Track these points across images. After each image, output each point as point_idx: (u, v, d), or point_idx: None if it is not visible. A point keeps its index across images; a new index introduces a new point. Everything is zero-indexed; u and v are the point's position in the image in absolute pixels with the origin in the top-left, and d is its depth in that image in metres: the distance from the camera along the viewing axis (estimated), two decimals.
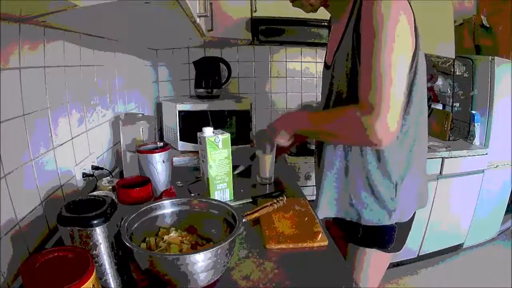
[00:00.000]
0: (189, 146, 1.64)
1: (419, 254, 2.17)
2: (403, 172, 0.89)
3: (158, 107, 1.98)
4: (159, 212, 0.79)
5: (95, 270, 0.52)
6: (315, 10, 0.98)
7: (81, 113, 1.05)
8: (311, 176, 1.75)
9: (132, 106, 1.56)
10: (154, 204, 0.78)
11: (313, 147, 1.20)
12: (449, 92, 2.28)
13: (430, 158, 1.88)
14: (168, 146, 1.08)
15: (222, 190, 1.07)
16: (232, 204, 0.83)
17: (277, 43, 1.98)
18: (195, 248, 0.73)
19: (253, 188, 1.22)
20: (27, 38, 0.75)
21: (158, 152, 1.03)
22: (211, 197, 1.04)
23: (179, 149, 1.65)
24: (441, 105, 2.34)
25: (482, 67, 2.13)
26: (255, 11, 1.73)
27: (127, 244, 0.61)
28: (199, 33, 1.29)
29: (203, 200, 0.82)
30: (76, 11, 0.60)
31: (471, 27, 2.42)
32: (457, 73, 2.22)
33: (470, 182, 2.10)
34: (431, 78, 2.32)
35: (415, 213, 0.98)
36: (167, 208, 0.80)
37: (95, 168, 1.10)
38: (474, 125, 2.15)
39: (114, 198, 0.73)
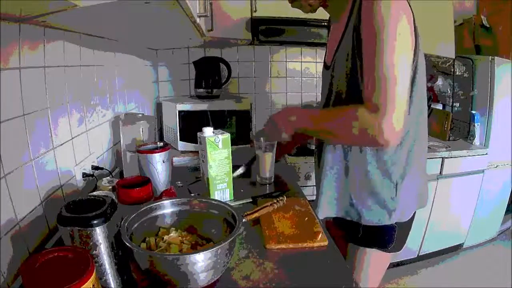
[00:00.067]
0: (189, 146, 1.64)
1: (419, 254, 2.17)
2: (403, 172, 0.89)
3: (158, 107, 1.98)
4: (159, 212, 0.79)
5: (95, 270, 0.52)
6: (314, 11, 0.98)
7: (81, 113, 1.05)
8: (311, 176, 1.75)
9: (132, 106, 1.56)
10: (154, 204, 0.78)
11: (313, 147, 1.20)
12: (449, 92, 2.28)
13: (430, 158, 1.88)
14: (168, 146, 1.08)
15: (222, 190, 1.07)
16: (232, 204, 0.83)
17: (277, 43, 1.98)
18: (195, 248, 0.73)
19: (253, 188, 1.22)
20: (27, 38, 0.75)
21: (158, 152, 1.03)
22: (211, 197, 1.04)
23: (179, 149, 1.65)
24: (441, 105, 2.34)
25: (482, 67, 2.13)
26: (255, 11, 1.73)
27: (127, 244, 0.61)
28: (199, 33, 1.29)
29: (203, 200, 0.82)
30: (76, 11, 0.60)
31: (471, 27, 2.42)
32: (457, 73, 2.22)
33: (470, 182, 2.10)
34: (431, 78, 2.32)
35: (415, 213, 0.98)
36: (167, 208, 0.80)
37: (95, 168, 1.10)
38: (474, 125, 2.15)
39: (114, 198, 0.73)
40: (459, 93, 2.26)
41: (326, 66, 1.02)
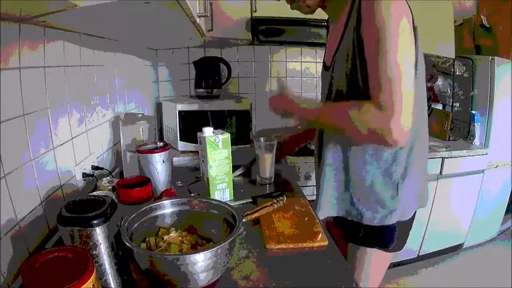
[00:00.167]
0: (189, 146, 1.64)
1: (419, 254, 2.17)
2: (404, 172, 0.89)
3: (158, 107, 1.98)
4: (159, 212, 0.79)
5: (95, 270, 0.52)
6: (312, 12, 0.98)
7: (81, 113, 1.05)
8: (311, 176, 1.75)
9: (132, 106, 1.56)
10: (154, 204, 0.78)
11: (313, 147, 1.20)
12: (449, 92, 2.28)
13: (430, 158, 1.87)
14: (168, 146, 1.08)
15: (222, 190, 1.07)
16: (232, 204, 0.83)
17: (277, 43, 1.98)
18: (195, 248, 0.73)
19: (253, 188, 1.22)
20: (27, 38, 0.75)
21: (158, 152, 1.03)
22: (211, 197, 1.04)
23: (179, 149, 1.65)
24: (441, 105, 2.34)
25: (482, 67, 2.13)
26: (255, 11, 1.73)
27: (127, 244, 0.61)
28: (199, 33, 1.29)
29: (203, 200, 0.82)
30: (76, 11, 0.60)
31: (471, 27, 2.42)
32: (457, 73, 2.22)
33: (470, 182, 2.10)
34: (431, 78, 2.32)
35: (415, 212, 0.98)
36: (167, 208, 0.80)
37: (95, 168, 1.10)
38: (474, 125, 2.15)
39: (114, 198, 0.73)
40: (459, 93, 2.26)
41: (325, 67, 1.02)
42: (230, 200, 1.08)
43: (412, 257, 2.16)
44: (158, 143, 1.09)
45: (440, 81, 2.29)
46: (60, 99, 0.92)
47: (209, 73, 1.89)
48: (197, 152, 1.17)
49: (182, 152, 1.64)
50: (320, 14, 1.01)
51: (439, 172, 1.97)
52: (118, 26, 0.99)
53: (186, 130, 1.63)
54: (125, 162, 1.21)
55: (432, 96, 2.34)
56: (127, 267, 0.67)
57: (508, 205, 2.37)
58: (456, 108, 2.26)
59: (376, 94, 0.76)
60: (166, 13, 0.84)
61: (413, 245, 2.11)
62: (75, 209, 0.62)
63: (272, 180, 1.26)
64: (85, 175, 1.03)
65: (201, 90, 1.87)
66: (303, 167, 1.75)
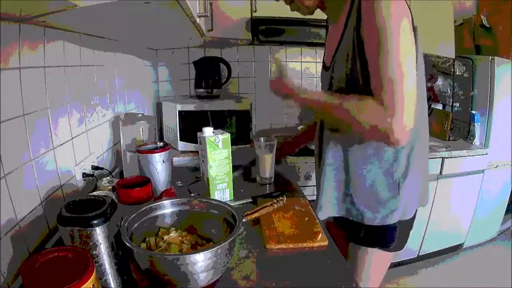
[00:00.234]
0: (189, 146, 1.64)
1: (419, 254, 2.17)
2: (405, 171, 0.89)
3: (158, 107, 1.98)
4: (159, 212, 0.79)
5: (95, 270, 0.52)
6: (311, 13, 0.98)
7: (81, 113, 1.05)
8: (311, 176, 1.75)
9: (132, 106, 1.56)
10: (154, 204, 0.78)
11: (313, 147, 1.20)
12: (449, 92, 2.28)
13: (430, 158, 1.86)
14: (168, 146, 1.08)
15: (222, 190, 1.07)
16: (232, 204, 0.83)
17: (277, 43, 1.98)
18: (195, 248, 0.73)
19: (253, 188, 1.22)
20: (27, 38, 0.75)
21: (158, 152, 1.03)
22: (211, 197, 1.04)
23: (179, 149, 1.65)
24: (441, 105, 2.34)
25: (482, 67, 2.12)
26: (255, 11, 1.73)
27: (127, 244, 0.61)
28: (199, 33, 1.29)
29: (203, 200, 0.82)
30: (76, 11, 0.60)
31: (471, 27, 2.42)
32: (457, 73, 2.21)
33: (470, 182, 2.10)
34: (431, 78, 2.32)
35: (416, 211, 0.98)
36: (167, 208, 0.80)
37: (95, 168, 1.10)
38: (474, 125, 2.15)
39: (114, 198, 0.73)
40: (459, 93, 2.26)
41: (325, 67, 1.02)
42: (230, 200, 1.08)
43: (412, 257, 2.16)
44: (158, 143, 1.09)
45: (440, 81, 2.29)
46: (60, 99, 0.92)
47: (209, 73, 1.89)
48: (197, 152, 1.17)
49: (182, 152, 1.64)
50: (320, 14, 1.01)
51: (439, 172, 1.97)
52: (118, 26, 0.99)
53: (186, 130, 1.63)
54: (125, 162, 1.21)
55: (432, 96, 2.34)
56: (127, 267, 0.67)
57: (508, 205, 2.37)
58: (456, 108, 2.26)
59: (378, 94, 0.76)
60: (166, 13, 0.84)
61: (413, 245, 2.11)
62: (75, 209, 0.62)
63: (272, 180, 1.26)
64: (85, 175, 1.03)
65: (201, 90, 1.88)
66: (303, 167, 1.75)
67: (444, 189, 2.00)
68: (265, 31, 1.79)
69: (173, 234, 0.76)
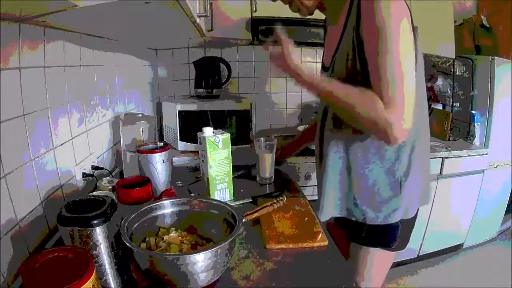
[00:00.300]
0: (189, 146, 1.64)
1: (419, 254, 2.17)
2: (406, 170, 0.89)
3: (158, 107, 1.98)
4: (159, 212, 0.79)
5: (95, 270, 0.52)
6: (311, 13, 0.98)
7: (81, 113, 1.05)
8: (311, 176, 1.75)
9: (132, 106, 1.56)
10: (154, 204, 0.78)
11: (313, 147, 1.20)
12: (449, 92, 2.28)
13: (430, 158, 1.87)
14: (168, 146, 1.08)
15: (222, 190, 1.07)
16: (232, 204, 0.83)
17: (277, 43, 1.98)
18: (195, 248, 0.73)
19: (253, 188, 1.22)
20: (27, 38, 0.75)
21: (158, 152, 1.03)
22: (211, 197, 1.04)
23: (179, 149, 1.65)
24: (441, 105, 2.34)
25: (482, 67, 2.12)
26: (255, 11, 1.73)
27: (127, 244, 0.61)
28: (199, 33, 1.29)
29: (203, 200, 0.82)
30: (76, 11, 0.60)
31: (471, 27, 2.42)
32: (457, 73, 2.21)
33: (470, 182, 2.10)
34: (431, 78, 2.32)
35: (417, 210, 0.98)
36: (167, 208, 0.80)
37: (95, 168, 1.10)
38: (474, 125, 2.15)
39: (114, 198, 0.73)
40: (459, 93, 2.26)
41: (324, 68, 1.02)
42: (230, 200, 1.08)
43: (412, 257, 2.16)
44: (158, 143, 1.09)
45: (440, 81, 2.29)
46: (60, 99, 0.92)
47: (209, 73, 1.89)
48: (197, 152, 1.17)
49: (182, 152, 1.64)
50: (320, 13, 1.01)
51: (439, 172, 1.97)
52: (118, 26, 0.99)
53: (186, 130, 1.63)
54: (125, 162, 1.21)
55: (432, 96, 2.34)
56: (127, 267, 0.67)
57: (508, 205, 2.37)
58: (456, 108, 2.26)
59: (378, 93, 0.76)
60: (166, 13, 0.84)
61: (413, 245, 2.10)
62: (75, 209, 0.62)
63: (272, 180, 1.26)
64: (85, 175, 1.03)
65: (201, 90, 1.87)
66: (303, 167, 1.75)
67: (444, 189, 2.00)
68: (265, 31, 1.79)
69: (173, 234, 0.76)
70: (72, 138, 0.99)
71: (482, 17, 2.34)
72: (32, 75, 0.79)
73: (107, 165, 1.26)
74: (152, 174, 1.02)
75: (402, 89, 0.74)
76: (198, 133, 1.05)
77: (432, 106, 2.29)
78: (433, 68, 2.32)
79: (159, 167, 1.03)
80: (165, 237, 0.74)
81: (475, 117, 2.14)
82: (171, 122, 1.69)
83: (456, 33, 2.13)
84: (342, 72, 0.88)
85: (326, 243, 0.82)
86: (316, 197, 1.08)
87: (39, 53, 0.82)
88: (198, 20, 1.08)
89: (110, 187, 0.98)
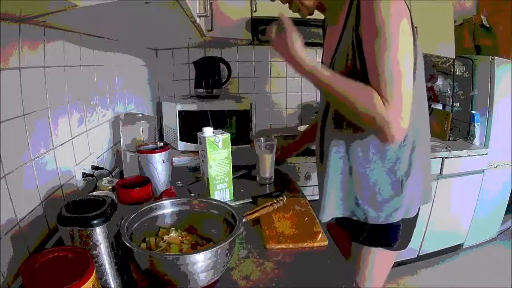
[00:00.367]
0: (189, 146, 1.64)
1: (419, 254, 2.17)
2: (407, 170, 0.90)
3: (158, 107, 1.98)
4: (159, 212, 0.79)
5: (95, 270, 0.52)
6: (311, 13, 0.98)
7: (81, 113, 1.05)
8: (311, 176, 1.75)
9: (132, 106, 1.56)
10: (154, 204, 0.78)
11: (313, 147, 1.20)
12: (449, 92, 2.28)
13: (431, 158, 1.88)
14: (168, 146, 1.08)
15: (222, 190, 1.07)
16: (232, 204, 0.83)
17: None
18: (195, 248, 0.73)
19: (253, 188, 1.22)
20: (27, 38, 0.75)
21: (158, 152, 1.03)
22: (211, 197, 1.04)
23: (179, 149, 1.65)
24: (441, 105, 2.34)
25: (482, 67, 2.12)
26: (255, 11, 1.73)
27: (127, 244, 0.61)
28: (199, 33, 1.29)
29: (203, 200, 0.82)
30: (76, 11, 0.60)
31: (471, 27, 2.42)
32: (457, 73, 2.21)
33: (470, 182, 2.10)
34: (431, 78, 2.32)
35: (419, 209, 0.98)
36: (167, 208, 0.80)
37: (95, 168, 1.10)
38: (474, 125, 2.15)
39: (114, 198, 0.73)
40: (459, 93, 2.26)
41: None
42: (230, 200, 1.08)
43: (412, 257, 2.16)
44: (158, 143, 1.09)
45: (440, 81, 2.29)
46: (60, 99, 0.92)
47: (209, 73, 1.89)
48: (197, 152, 1.17)
49: (182, 152, 1.64)
50: (320, 13, 1.01)
51: (439, 172, 1.97)
52: (118, 26, 0.99)
53: (186, 130, 1.63)
54: (125, 162, 1.21)
55: (432, 96, 2.34)
56: (127, 267, 0.67)
57: (508, 205, 2.37)
58: (456, 108, 2.26)
59: (377, 91, 0.76)
60: (166, 13, 0.84)
61: (413, 245, 2.08)
62: (75, 209, 0.62)
63: (272, 180, 1.26)
64: (85, 175, 1.03)
65: (201, 90, 1.87)
66: (303, 167, 1.75)
67: (444, 189, 2.00)
68: (265, 31, 1.78)
69: (173, 234, 0.76)
70: (72, 138, 0.99)
71: (482, 17, 2.34)
72: (32, 75, 0.79)
73: (107, 165, 1.26)
74: (152, 174, 1.02)
75: (400, 88, 0.74)
76: (198, 133, 1.05)
77: (432, 106, 2.29)
78: (433, 68, 2.32)
79: (159, 167, 1.03)
80: (165, 237, 0.74)
81: (475, 117, 2.14)
82: (171, 122, 1.69)
83: (456, 33, 2.13)
84: (342, 72, 0.88)
85: (326, 243, 0.82)
86: (316, 197, 1.08)
87: (39, 53, 0.82)
88: (198, 20, 1.08)
89: (110, 187, 0.98)
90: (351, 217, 0.97)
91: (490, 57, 2.08)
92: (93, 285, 0.50)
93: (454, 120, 2.25)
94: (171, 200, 0.81)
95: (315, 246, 0.82)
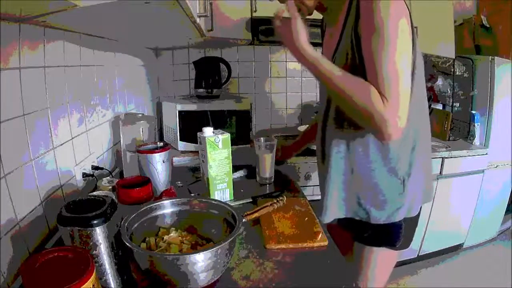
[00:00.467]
0: (189, 146, 1.64)
1: (419, 254, 2.17)
2: (408, 169, 0.90)
3: (158, 107, 1.98)
4: (159, 212, 0.79)
5: (95, 270, 0.52)
6: (311, 13, 0.98)
7: (81, 113, 1.05)
8: (311, 176, 1.75)
9: (132, 106, 1.56)
10: (154, 204, 0.78)
11: (313, 147, 1.20)
12: (449, 92, 2.28)
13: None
14: (168, 146, 1.08)
15: (222, 190, 1.07)
16: (232, 204, 0.83)
17: (277, 43, 1.98)
18: (195, 248, 0.73)
19: (253, 188, 1.22)
20: (27, 38, 0.75)
21: (158, 152, 1.03)
22: (211, 197, 1.04)
23: (179, 149, 1.65)
24: (441, 105, 2.34)
25: (482, 67, 2.12)
26: (255, 11, 1.73)
27: (127, 244, 0.61)
28: (199, 33, 1.29)
29: (203, 200, 0.82)
30: (76, 11, 0.60)
31: (471, 27, 2.42)
32: (457, 73, 2.21)
33: (470, 182, 2.10)
34: (431, 78, 2.32)
35: (420, 208, 0.98)
36: (167, 208, 0.80)
37: (95, 168, 1.10)
38: (474, 125, 2.15)
39: (114, 198, 0.73)
40: (459, 93, 2.26)
41: None
42: (230, 200, 1.08)
43: (412, 257, 2.16)
44: (158, 143, 1.09)
45: (440, 81, 2.29)
46: (60, 99, 0.92)
47: (209, 73, 1.89)
48: (197, 152, 1.17)
49: (182, 152, 1.64)
50: (319, 14, 1.01)
51: (439, 172, 1.97)
52: (118, 26, 0.99)
53: (186, 130, 1.63)
54: (125, 162, 1.21)
55: (432, 96, 2.34)
56: (127, 267, 0.67)
57: (508, 205, 2.37)
58: (456, 108, 2.26)
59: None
60: (166, 13, 0.84)
61: (413, 245, 2.07)
62: (75, 209, 0.62)
63: (272, 180, 1.26)
64: (85, 175, 1.03)
65: (201, 90, 1.87)
66: (303, 167, 1.75)
67: (444, 189, 2.00)
68: (265, 31, 1.79)
69: (173, 234, 0.76)
70: (72, 138, 0.99)
71: (482, 17, 2.34)
72: (32, 75, 0.79)
73: (107, 165, 1.26)
74: (152, 174, 1.02)
75: (397, 88, 0.74)
76: (198, 133, 1.05)
77: (432, 106, 2.29)
78: (433, 68, 2.32)
79: (159, 167, 1.03)
80: (165, 237, 0.74)
81: (475, 117, 2.14)
82: (171, 122, 1.69)
83: (456, 33, 2.13)
84: None
85: (326, 243, 0.82)
86: (316, 197, 1.08)
87: (39, 53, 0.82)
88: (198, 20, 1.08)
89: (110, 187, 0.98)
90: (353, 217, 0.96)
91: (490, 57, 2.08)
92: (93, 285, 0.50)
93: (454, 120, 2.25)
94: (171, 200, 0.81)
95: (315, 246, 0.82)
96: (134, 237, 0.70)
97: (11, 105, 0.71)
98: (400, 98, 0.74)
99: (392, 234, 0.94)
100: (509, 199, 2.34)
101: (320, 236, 0.84)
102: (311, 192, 1.71)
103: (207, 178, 1.05)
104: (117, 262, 0.64)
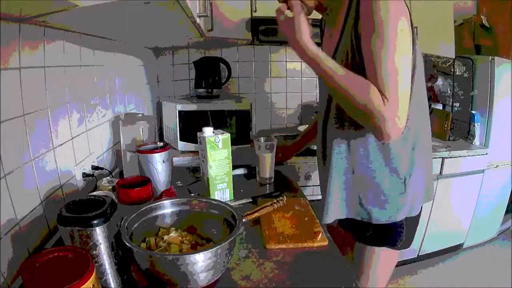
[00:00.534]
0: (189, 146, 1.64)
1: (419, 254, 2.17)
2: (409, 169, 0.90)
3: (158, 107, 1.98)
4: (159, 212, 0.79)
5: (95, 270, 0.52)
6: (310, 13, 0.98)
7: (81, 113, 1.05)
8: (311, 176, 1.75)
9: (132, 106, 1.56)
10: (154, 204, 0.78)
11: (313, 147, 1.20)
12: (449, 92, 2.28)
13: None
14: (168, 146, 1.08)
15: (222, 190, 1.07)
16: (232, 204, 0.83)
17: (277, 43, 1.98)
18: (195, 248, 0.73)
19: (253, 188, 1.22)
20: (27, 38, 0.75)
21: (158, 152, 1.03)
22: (211, 197, 1.04)
23: (179, 149, 1.65)
24: (441, 105, 2.34)
25: (482, 67, 2.12)
26: (255, 11, 1.73)
27: (127, 244, 0.61)
28: (199, 33, 1.29)
29: (203, 200, 0.82)
30: (76, 11, 0.60)
31: (471, 27, 2.42)
32: (457, 73, 2.21)
33: (470, 182, 2.10)
34: (431, 78, 2.32)
35: (421, 208, 0.98)
36: (167, 208, 0.80)
37: (95, 168, 1.10)
38: (474, 125, 2.15)
39: (114, 198, 0.73)
40: (459, 93, 2.26)
41: None
42: (230, 200, 1.08)
43: (412, 257, 2.16)
44: (158, 143, 1.09)
45: (440, 81, 2.29)
46: (60, 99, 0.92)
47: (209, 73, 1.89)
48: (197, 152, 1.17)
49: (182, 152, 1.64)
50: (318, 14, 1.01)
51: (439, 172, 1.97)
52: (118, 26, 0.99)
53: (186, 130, 1.63)
54: (125, 162, 1.21)
55: (432, 96, 2.34)
56: (127, 267, 0.67)
57: (508, 205, 2.37)
58: (456, 108, 2.26)
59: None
60: (166, 13, 0.84)
61: (413, 245, 2.08)
62: (75, 209, 0.62)
63: (272, 180, 1.26)
64: (85, 175, 1.03)
65: (201, 90, 1.88)
66: (303, 167, 1.75)
67: (444, 189, 2.00)
68: (265, 31, 1.79)
69: (173, 234, 0.76)
70: (72, 138, 0.99)
71: (482, 17, 2.34)
72: (32, 75, 0.79)
73: (107, 165, 1.26)
74: (152, 174, 1.02)
75: (396, 87, 0.74)
76: (198, 133, 1.05)
77: (432, 106, 2.29)
78: (433, 68, 2.33)
79: (159, 167, 1.03)
80: (165, 237, 0.74)
81: (475, 117, 2.14)
82: (171, 122, 1.69)
83: (456, 33, 2.13)
84: None
85: (326, 243, 0.82)
86: (316, 197, 1.08)
87: (39, 53, 0.82)
88: (198, 20, 1.08)
89: (110, 187, 0.98)
90: (354, 218, 0.96)
91: (490, 57, 2.08)
92: (93, 285, 0.50)
93: (454, 120, 2.25)
94: (171, 200, 0.81)
95: (315, 246, 0.82)
96: (134, 237, 0.70)
97: (11, 105, 0.71)
98: (400, 98, 0.74)
99: (394, 234, 0.94)
100: (509, 199, 2.34)
101: (320, 236, 0.84)
102: (311, 192, 1.71)
103: (207, 178, 1.05)
104: (117, 262, 0.64)
